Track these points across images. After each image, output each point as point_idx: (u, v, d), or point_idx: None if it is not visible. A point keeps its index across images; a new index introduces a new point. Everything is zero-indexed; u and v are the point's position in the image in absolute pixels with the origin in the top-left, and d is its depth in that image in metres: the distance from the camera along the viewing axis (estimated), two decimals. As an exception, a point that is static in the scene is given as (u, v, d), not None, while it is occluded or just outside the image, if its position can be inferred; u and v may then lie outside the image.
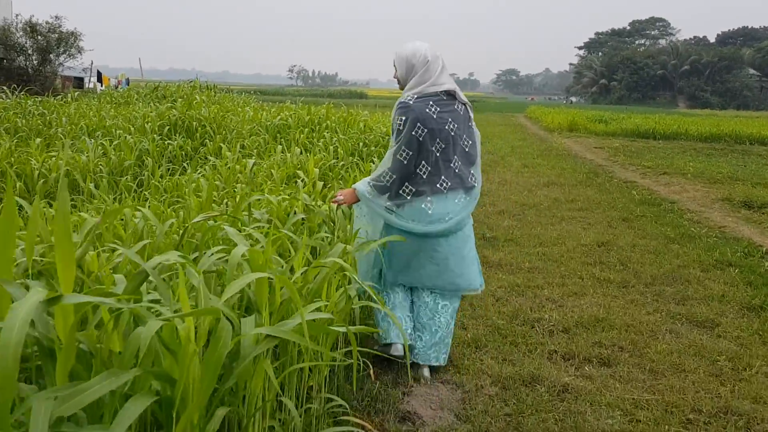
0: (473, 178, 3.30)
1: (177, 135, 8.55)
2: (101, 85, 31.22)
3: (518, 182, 10.71)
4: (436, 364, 3.43)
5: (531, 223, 7.50)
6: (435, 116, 3.13)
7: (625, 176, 11.93)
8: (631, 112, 37.33)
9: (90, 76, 31.20)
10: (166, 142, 7.66)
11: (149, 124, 8.37)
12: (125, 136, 7.53)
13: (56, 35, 22.22)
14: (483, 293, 4.94)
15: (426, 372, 3.43)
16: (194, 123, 8.59)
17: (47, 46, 22.02)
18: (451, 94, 3.24)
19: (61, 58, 23.17)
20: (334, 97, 70.21)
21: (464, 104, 3.31)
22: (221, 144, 7.45)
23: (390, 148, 3.24)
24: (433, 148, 3.13)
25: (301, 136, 7.36)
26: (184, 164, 7.45)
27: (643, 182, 11.15)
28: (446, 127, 3.15)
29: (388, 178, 3.16)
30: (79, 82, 31.74)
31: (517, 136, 21.75)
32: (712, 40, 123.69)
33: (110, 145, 7.11)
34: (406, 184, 3.16)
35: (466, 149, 3.27)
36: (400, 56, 3.24)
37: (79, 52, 23.17)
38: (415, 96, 3.17)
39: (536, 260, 5.95)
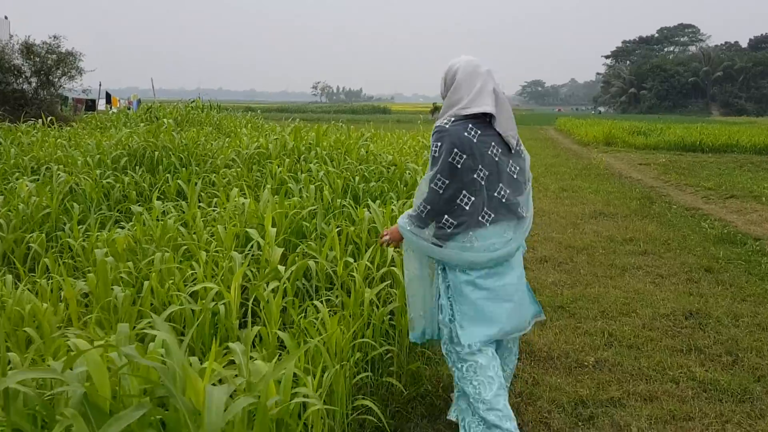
0: (523, 209, 2.91)
1: (137, 168, 6.92)
2: (111, 107, 30.16)
3: (559, 212, 8.88)
4: None
5: (584, 278, 5.69)
6: (476, 140, 2.75)
7: (685, 201, 10.02)
8: (664, 122, 35.21)
9: (99, 98, 30.10)
10: (106, 181, 6.01)
11: (98, 156, 6.74)
12: (60, 174, 5.91)
13: (54, 56, 20.94)
14: (531, 423, 3.19)
15: None
16: (157, 153, 6.95)
17: (43, 67, 20.69)
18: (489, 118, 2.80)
19: (62, 80, 21.80)
20: (357, 112, 68.99)
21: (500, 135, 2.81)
22: (180, 181, 5.78)
23: (425, 176, 2.91)
24: (476, 176, 2.77)
25: (281, 168, 5.67)
26: (134, 207, 5.78)
27: (710, 209, 9.23)
28: (489, 152, 2.78)
29: (422, 208, 2.87)
30: (91, 104, 30.74)
31: (549, 152, 19.87)
32: (744, 45, 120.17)
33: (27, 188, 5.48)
34: (447, 216, 2.82)
35: (514, 176, 2.88)
36: (443, 71, 2.97)
37: (80, 73, 21.84)
38: (452, 119, 2.80)
39: (602, 346, 4.15)
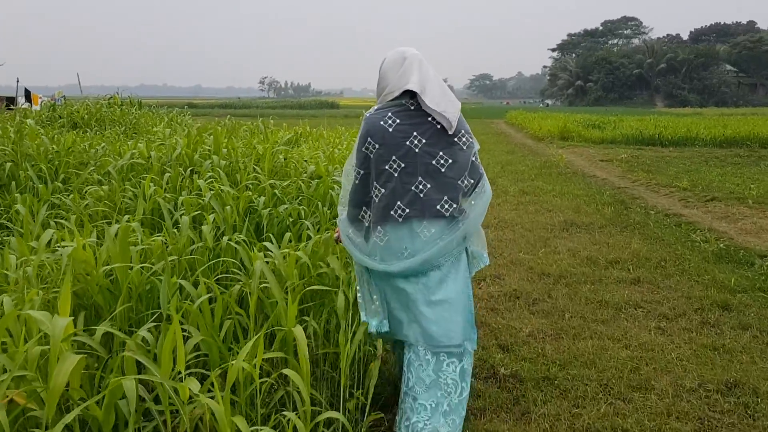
0: (449, 206, 2.54)
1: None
2: (30, 105, 27.74)
3: (523, 223, 7.54)
4: None
5: (569, 323, 4.31)
6: (391, 129, 2.53)
7: (662, 205, 8.82)
8: (613, 114, 34.51)
9: (17, 95, 27.70)
10: None
11: None
12: None
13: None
14: None
15: None
16: (9, 165, 5.29)
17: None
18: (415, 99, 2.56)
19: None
20: (304, 108, 67.29)
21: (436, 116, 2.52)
22: (20, 206, 4.16)
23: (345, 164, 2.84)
24: (388, 168, 2.55)
25: (155, 188, 4.07)
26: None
27: (694, 216, 8.04)
28: (407, 143, 2.53)
29: (345, 201, 2.78)
30: (10, 101, 28.30)
31: (502, 147, 18.66)
32: (685, 37, 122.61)
33: None
34: (364, 208, 2.69)
35: (442, 169, 2.53)
36: None
37: (-15, 67, 19.59)
38: (376, 108, 2.65)
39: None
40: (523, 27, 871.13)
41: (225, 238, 3.26)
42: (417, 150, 2.52)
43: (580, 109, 51.85)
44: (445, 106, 2.53)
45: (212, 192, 3.83)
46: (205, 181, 4.22)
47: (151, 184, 4.11)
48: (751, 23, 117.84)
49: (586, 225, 7.42)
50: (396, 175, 2.54)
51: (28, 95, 28.51)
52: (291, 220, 3.91)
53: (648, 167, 13.06)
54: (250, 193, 3.94)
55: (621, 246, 6.38)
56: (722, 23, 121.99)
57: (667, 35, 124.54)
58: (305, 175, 4.71)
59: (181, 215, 3.77)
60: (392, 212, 2.53)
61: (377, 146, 2.54)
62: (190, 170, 4.74)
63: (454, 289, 2.60)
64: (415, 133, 2.53)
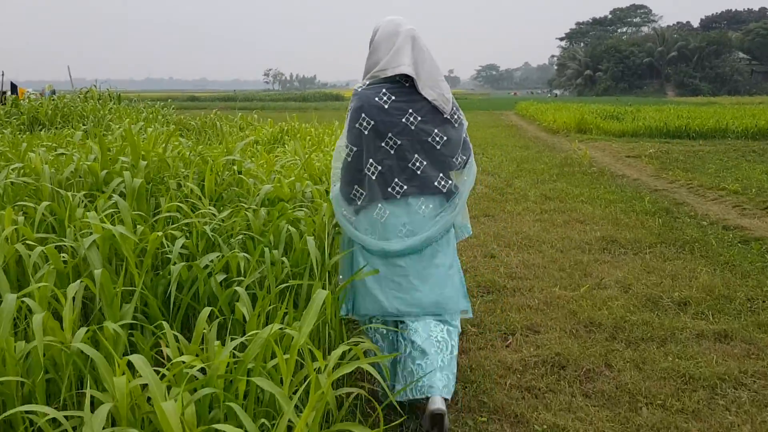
0: (445, 183, 2.65)
1: None
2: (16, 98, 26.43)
3: (552, 241, 6.12)
4: (447, 396, 2.55)
5: (645, 419, 2.88)
6: (387, 106, 2.57)
7: (715, 214, 7.36)
8: (623, 104, 32.85)
9: (2, 89, 26.38)
10: None
11: None
12: None
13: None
14: None
15: (439, 403, 2.46)
16: None
17: None
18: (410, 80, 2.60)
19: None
20: (308, 100, 65.58)
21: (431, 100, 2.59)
22: None
23: (338, 141, 2.81)
24: (384, 144, 2.58)
25: (23, 228, 2.63)
26: None
27: (758, 227, 6.58)
28: (403, 120, 2.58)
29: (336, 178, 2.78)
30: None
31: (515, 141, 17.17)
32: (695, 24, 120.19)
33: None
34: (356, 186, 2.67)
35: (437, 147, 2.63)
36: None
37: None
38: (367, 83, 2.67)
39: None
40: (529, 16, 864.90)
41: (82, 331, 1.84)
42: (413, 127, 2.55)
43: (590, 99, 50.23)
44: (436, 89, 2.56)
45: (93, 237, 2.40)
46: (103, 212, 2.78)
47: (17, 217, 2.70)
48: (763, 10, 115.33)
49: (632, 243, 5.98)
50: (392, 152, 2.55)
51: (14, 89, 27.20)
52: (222, 277, 2.50)
53: (683, 164, 11.57)
54: (160, 234, 2.52)
55: (685, 276, 4.94)
56: (733, 10, 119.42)
57: (678, 23, 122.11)
58: (257, 199, 3.28)
59: (49, 270, 2.36)
60: (389, 189, 2.55)
61: (372, 123, 2.54)
62: (84, 194, 3.26)
63: (445, 261, 2.66)
64: (410, 110, 2.55)
